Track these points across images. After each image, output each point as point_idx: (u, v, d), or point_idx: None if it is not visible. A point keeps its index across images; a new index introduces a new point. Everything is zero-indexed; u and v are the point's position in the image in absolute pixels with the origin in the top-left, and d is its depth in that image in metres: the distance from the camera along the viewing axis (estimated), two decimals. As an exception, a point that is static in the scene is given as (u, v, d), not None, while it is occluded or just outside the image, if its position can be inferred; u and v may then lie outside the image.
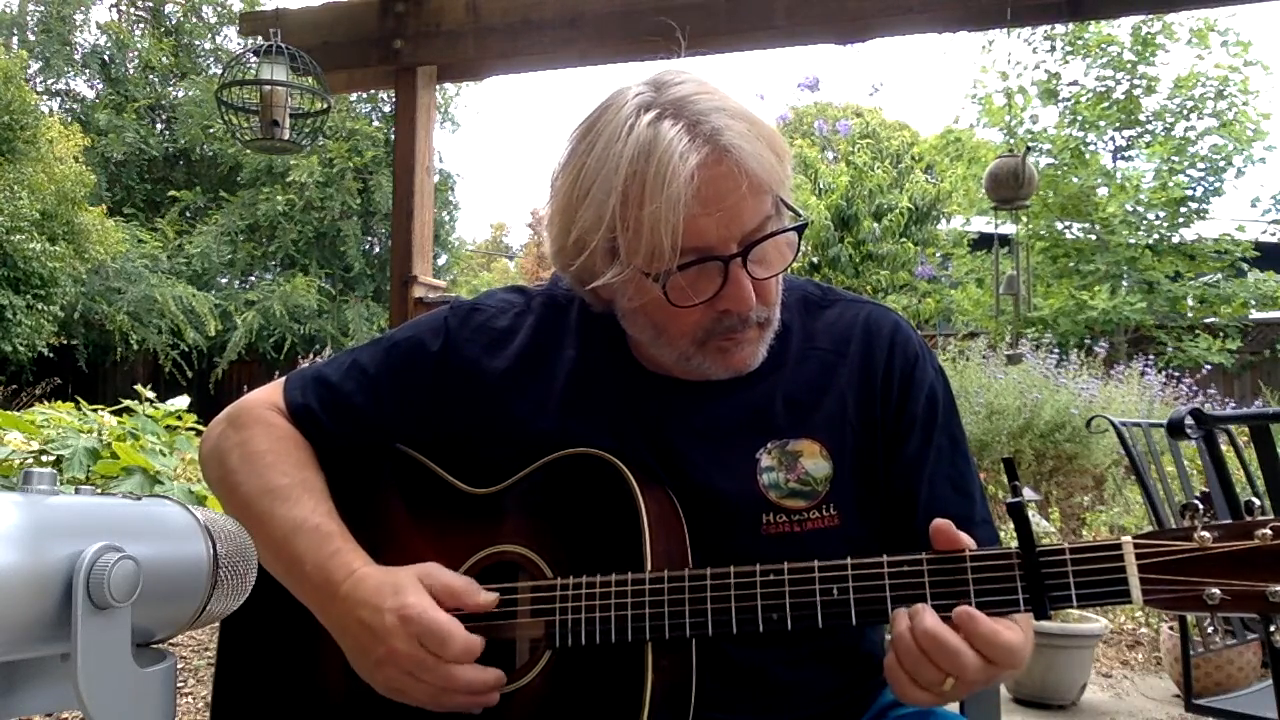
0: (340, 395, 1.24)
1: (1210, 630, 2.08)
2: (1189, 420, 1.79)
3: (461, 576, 1.10)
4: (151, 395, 5.39)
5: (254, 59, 4.28)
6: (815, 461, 1.14)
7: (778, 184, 1.06)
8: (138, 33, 19.22)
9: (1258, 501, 0.93)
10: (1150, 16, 11.12)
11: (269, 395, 1.27)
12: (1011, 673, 0.97)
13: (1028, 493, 4.77)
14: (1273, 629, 0.89)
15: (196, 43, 19.41)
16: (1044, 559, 0.93)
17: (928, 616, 0.94)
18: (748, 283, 1.06)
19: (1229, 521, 0.91)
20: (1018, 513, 0.93)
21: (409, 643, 1.03)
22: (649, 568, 1.05)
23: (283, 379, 1.30)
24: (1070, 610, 3.92)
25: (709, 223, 1.03)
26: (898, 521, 1.16)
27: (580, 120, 1.11)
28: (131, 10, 19.45)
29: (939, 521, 0.98)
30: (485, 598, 1.08)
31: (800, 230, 1.09)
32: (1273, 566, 0.88)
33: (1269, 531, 0.88)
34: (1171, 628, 3.72)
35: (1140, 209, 11.64)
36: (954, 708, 1.40)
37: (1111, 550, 0.92)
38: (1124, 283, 11.61)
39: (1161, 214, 11.62)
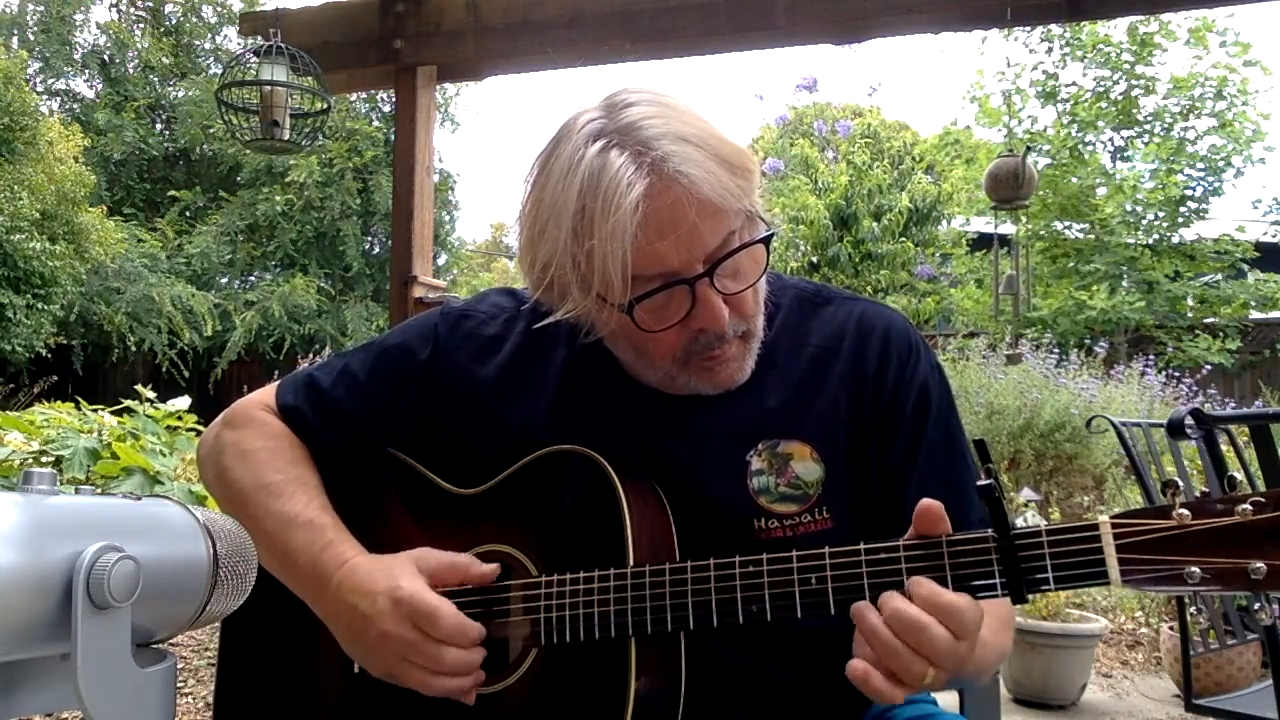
0: (329, 400, 1.25)
1: (1204, 622, 2.08)
2: (1189, 420, 1.79)
3: (457, 554, 1.11)
4: (151, 395, 5.39)
5: (254, 59, 4.28)
6: (806, 465, 1.14)
7: (735, 200, 1.04)
8: (138, 33, 19.21)
9: (1239, 477, 0.91)
10: (1147, 17, 11.11)
11: (263, 397, 1.29)
12: (974, 657, 0.95)
13: (1027, 492, 4.77)
14: (1257, 606, 0.87)
15: (196, 43, 19.40)
16: (1020, 541, 0.93)
17: (895, 599, 0.93)
18: (718, 301, 1.06)
19: (1208, 498, 0.90)
20: (989, 495, 0.92)
21: (400, 625, 1.04)
22: (631, 562, 1.05)
23: (277, 382, 1.31)
24: (1070, 610, 3.93)
25: (666, 248, 1.02)
26: (889, 523, 1.14)
27: (541, 148, 1.12)
28: (131, 10, 19.44)
29: (925, 503, 0.96)
30: (486, 567, 1.10)
31: (767, 241, 1.09)
32: (1254, 543, 0.86)
33: (1249, 507, 0.86)
34: (1172, 628, 3.71)
35: (1139, 209, 11.63)
36: (955, 708, 1.40)
37: (1089, 531, 0.91)
38: (1124, 283, 11.60)
39: (1161, 214, 11.62)
